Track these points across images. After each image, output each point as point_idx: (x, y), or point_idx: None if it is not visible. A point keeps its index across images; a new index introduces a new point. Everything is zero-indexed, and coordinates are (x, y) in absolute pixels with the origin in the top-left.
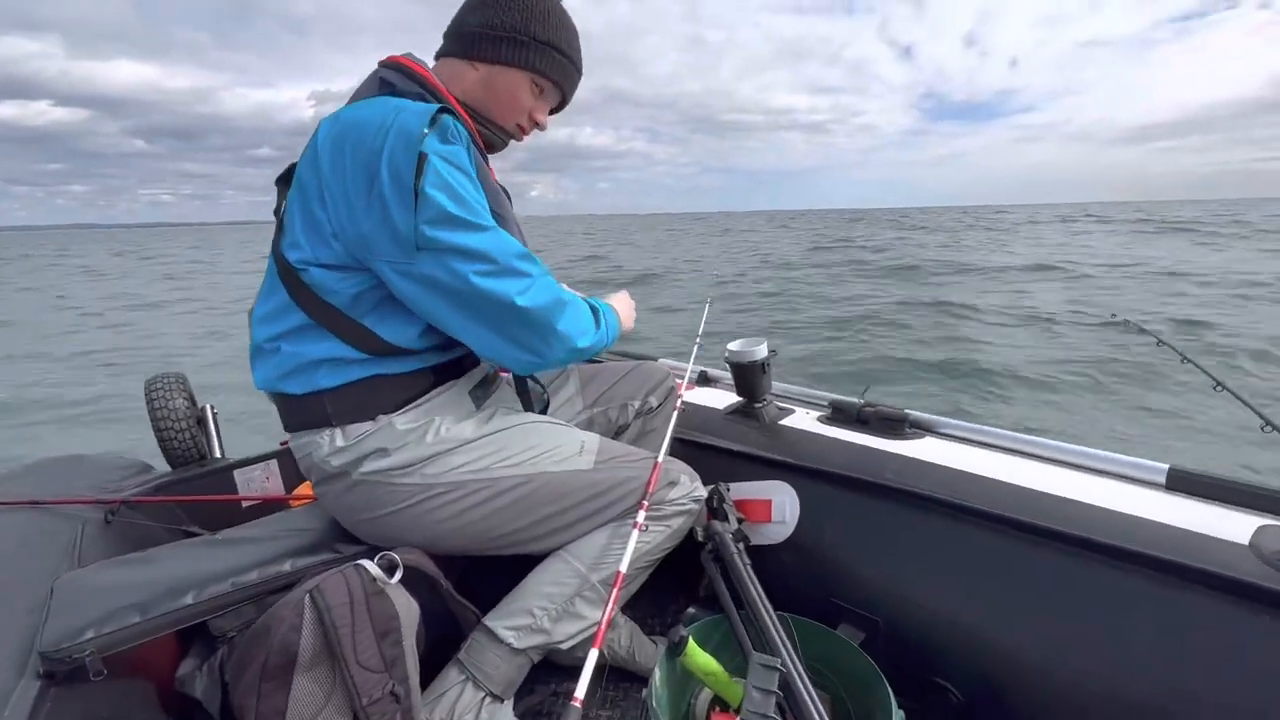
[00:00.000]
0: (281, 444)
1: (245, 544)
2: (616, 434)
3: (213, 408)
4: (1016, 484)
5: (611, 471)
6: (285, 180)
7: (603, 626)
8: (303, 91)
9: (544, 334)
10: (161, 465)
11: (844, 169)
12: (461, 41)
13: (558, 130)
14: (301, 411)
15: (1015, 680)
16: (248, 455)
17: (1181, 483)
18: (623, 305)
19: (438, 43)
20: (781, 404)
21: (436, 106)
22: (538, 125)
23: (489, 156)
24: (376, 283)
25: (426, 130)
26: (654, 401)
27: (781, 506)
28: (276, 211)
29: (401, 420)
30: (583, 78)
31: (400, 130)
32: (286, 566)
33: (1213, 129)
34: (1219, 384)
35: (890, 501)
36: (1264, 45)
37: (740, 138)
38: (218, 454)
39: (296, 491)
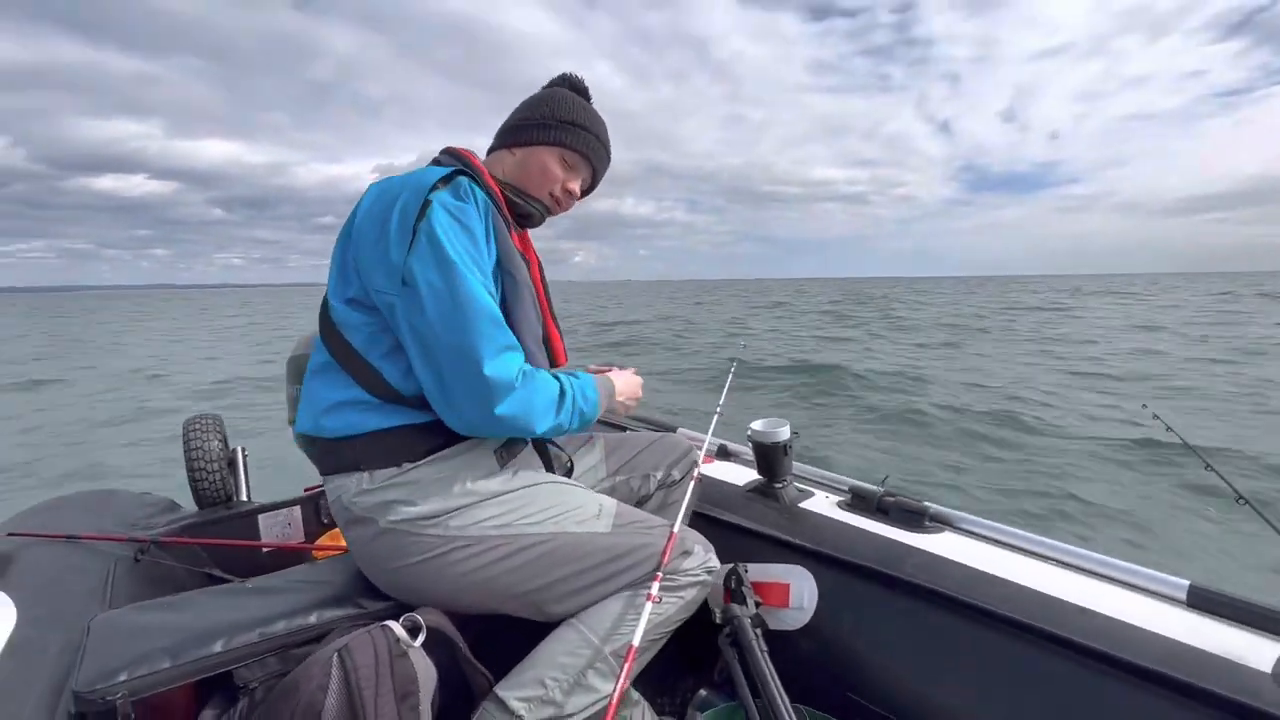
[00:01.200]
0: (305, 490)
1: (272, 593)
2: (638, 504)
3: (244, 450)
4: (1037, 589)
5: (628, 536)
6: None
7: (614, 701)
8: (367, 165)
9: (484, 408)
10: (187, 502)
11: (883, 238)
12: (502, 135)
13: (601, 201)
14: (333, 455)
15: None
16: (272, 499)
17: (1203, 601)
18: (622, 382)
19: (493, 123)
20: (801, 485)
21: (455, 168)
22: (570, 194)
23: (531, 229)
24: (387, 324)
25: (439, 184)
26: (676, 474)
27: (800, 592)
28: None
29: (427, 471)
30: (612, 161)
31: (416, 182)
32: (312, 619)
33: (1266, 200)
34: (1241, 497)
35: (909, 597)
36: None
37: (779, 208)
38: (244, 496)
39: (319, 541)
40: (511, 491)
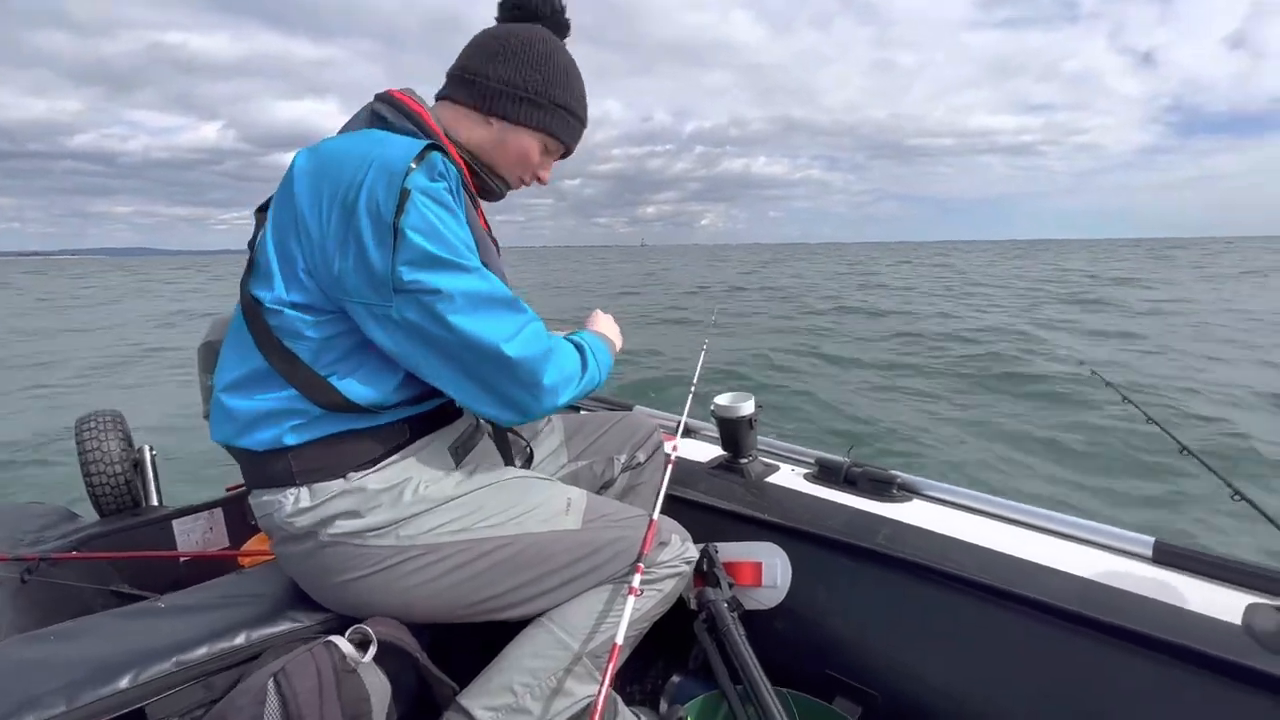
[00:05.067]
0: (228, 489)
1: (192, 612)
2: (601, 489)
3: (151, 449)
4: (1008, 553)
5: (601, 531)
6: (265, 209)
7: (600, 705)
8: None
9: (531, 388)
10: (89, 514)
11: (1053, 195)
12: (477, 92)
13: (732, 161)
14: (262, 468)
15: None
16: (188, 503)
17: (1169, 557)
18: (607, 327)
19: (624, 84)
20: (766, 460)
21: (425, 142)
22: (539, 180)
23: (485, 204)
24: (347, 328)
25: (413, 165)
26: (641, 457)
27: (773, 569)
28: (251, 244)
29: (375, 479)
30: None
31: (383, 164)
32: (240, 639)
33: None
34: (1184, 448)
35: (883, 568)
36: None
37: (927, 163)
38: (155, 501)
39: (245, 547)
40: (468, 494)
